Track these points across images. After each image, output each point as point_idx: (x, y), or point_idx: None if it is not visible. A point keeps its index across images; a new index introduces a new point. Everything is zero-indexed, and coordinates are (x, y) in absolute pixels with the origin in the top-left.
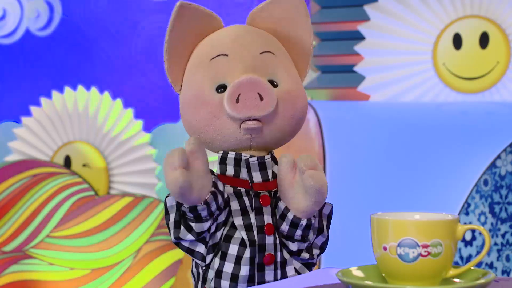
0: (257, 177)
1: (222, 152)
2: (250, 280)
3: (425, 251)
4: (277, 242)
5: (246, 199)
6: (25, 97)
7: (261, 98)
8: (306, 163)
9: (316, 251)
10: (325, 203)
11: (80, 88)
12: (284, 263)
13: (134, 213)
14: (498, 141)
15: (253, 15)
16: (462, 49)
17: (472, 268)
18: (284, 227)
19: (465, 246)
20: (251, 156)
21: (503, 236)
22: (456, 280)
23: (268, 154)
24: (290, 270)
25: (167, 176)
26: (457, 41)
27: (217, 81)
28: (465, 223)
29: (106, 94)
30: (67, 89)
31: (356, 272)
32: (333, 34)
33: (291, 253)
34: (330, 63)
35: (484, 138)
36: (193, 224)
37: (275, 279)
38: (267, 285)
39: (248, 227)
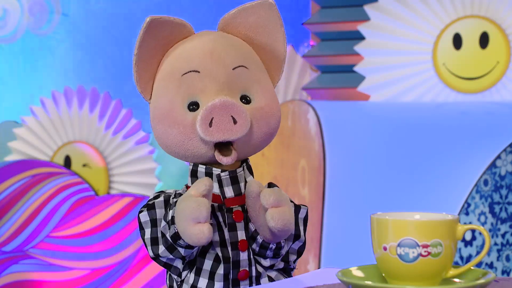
0: (229, 191)
1: (193, 164)
2: None
3: (425, 251)
4: (251, 257)
5: (219, 214)
6: (25, 97)
7: (235, 121)
8: (267, 201)
9: (293, 257)
10: (300, 206)
11: (80, 88)
12: (258, 276)
13: (134, 213)
14: (498, 141)
15: (225, 21)
16: (462, 49)
17: (472, 268)
18: (255, 247)
19: (465, 246)
20: (222, 171)
21: (503, 236)
22: (456, 280)
23: (240, 166)
24: (264, 281)
25: (189, 229)
26: (457, 41)
27: (188, 98)
28: (465, 223)
29: (106, 94)
30: (67, 89)
31: (356, 272)
32: (333, 34)
33: (265, 268)
34: (330, 63)
35: (484, 138)
36: (181, 250)
37: None
38: (267, 285)
39: (222, 243)
